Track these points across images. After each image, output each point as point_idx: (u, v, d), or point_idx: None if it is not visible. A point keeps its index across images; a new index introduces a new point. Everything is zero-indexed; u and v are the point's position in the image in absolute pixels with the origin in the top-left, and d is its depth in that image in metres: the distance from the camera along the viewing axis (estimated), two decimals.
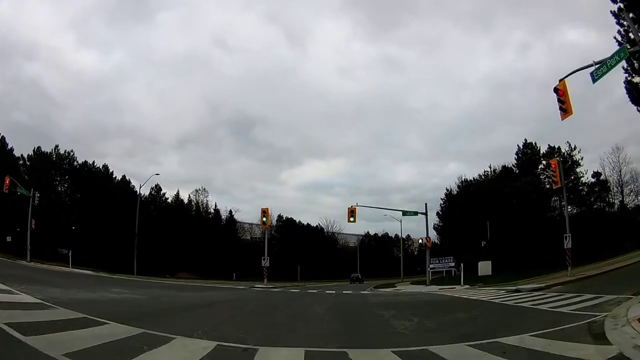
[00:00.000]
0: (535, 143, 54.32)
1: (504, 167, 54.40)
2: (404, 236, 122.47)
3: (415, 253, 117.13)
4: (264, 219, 34.76)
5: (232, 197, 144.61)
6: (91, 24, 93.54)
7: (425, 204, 34.20)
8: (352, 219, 32.76)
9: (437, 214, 62.71)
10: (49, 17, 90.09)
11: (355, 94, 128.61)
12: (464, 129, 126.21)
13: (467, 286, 29.58)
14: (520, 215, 40.56)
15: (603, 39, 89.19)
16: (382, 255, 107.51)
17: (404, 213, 32.40)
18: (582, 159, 50.32)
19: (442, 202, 62.22)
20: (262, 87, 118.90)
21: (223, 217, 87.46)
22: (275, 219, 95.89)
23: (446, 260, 41.60)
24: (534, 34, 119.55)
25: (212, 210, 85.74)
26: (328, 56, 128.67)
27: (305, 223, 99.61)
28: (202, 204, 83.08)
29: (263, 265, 34.47)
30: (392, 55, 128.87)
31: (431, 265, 43.06)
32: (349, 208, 33.72)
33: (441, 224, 61.19)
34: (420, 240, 32.26)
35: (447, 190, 60.86)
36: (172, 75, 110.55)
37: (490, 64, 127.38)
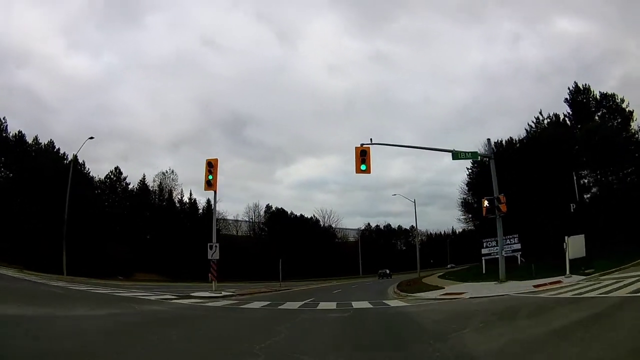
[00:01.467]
0: (589, 86, 41.84)
1: (555, 116, 41.72)
2: (407, 227, 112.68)
3: (419, 246, 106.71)
4: (210, 176, 21.34)
5: (226, 197, 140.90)
6: (81, 28, 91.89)
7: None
8: (363, 167, 19.28)
9: (469, 183, 50.02)
10: (40, 22, 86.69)
11: (346, 91, 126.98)
12: (456, 123, 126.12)
13: (581, 277, 17.31)
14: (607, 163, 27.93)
15: (593, 28, 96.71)
16: (385, 249, 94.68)
17: (456, 155, 18.97)
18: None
19: (471, 169, 49.70)
20: (253, 86, 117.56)
21: (202, 208, 73.40)
22: (264, 210, 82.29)
23: (509, 241, 28.37)
24: (525, 24, 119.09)
25: (187, 200, 71.62)
26: (318, 53, 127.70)
27: (298, 214, 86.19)
28: (167, 189, 68.49)
29: (210, 257, 22.07)
30: (382, 50, 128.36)
31: (485, 250, 30.24)
32: (357, 147, 19.93)
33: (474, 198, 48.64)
34: (484, 203, 16.88)
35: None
36: (163, 76, 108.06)
37: (482, 57, 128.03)
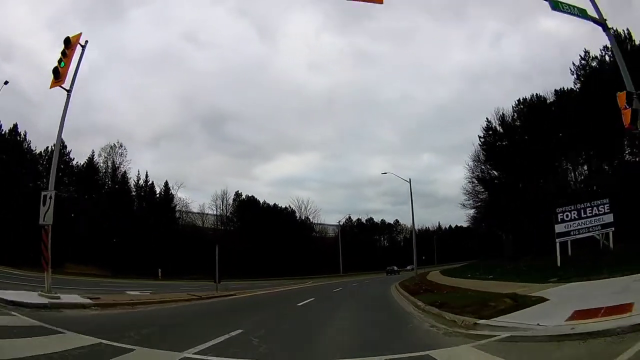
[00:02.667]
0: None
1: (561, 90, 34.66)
2: (391, 221, 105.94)
3: (402, 244, 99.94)
4: (62, 63, 12.39)
5: (205, 193, 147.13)
6: (66, 22, 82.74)
7: None
8: None
9: (486, 150, 42.37)
10: (26, 17, 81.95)
11: (327, 88, 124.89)
12: (437, 121, 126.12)
13: None
14: None
15: (579, 28, 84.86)
16: (367, 245, 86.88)
17: (556, 5, 10.22)
18: None
19: (486, 134, 42.45)
20: (234, 83, 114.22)
21: (159, 192, 63.63)
22: (232, 197, 72.99)
23: (594, 210, 19.52)
24: (509, 23, 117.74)
25: (143, 182, 61.73)
26: (299, 50, 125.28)
27: (271, 204, 77.23)
28: (117, 167, 58.56)
29: (41, 220, 11.65)
30: (363, 48, 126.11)
31: (561, 228, 20.48)
32: None
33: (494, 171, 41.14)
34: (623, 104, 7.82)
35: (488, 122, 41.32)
36: (145, 71, 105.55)
37: (464, 55, 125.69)
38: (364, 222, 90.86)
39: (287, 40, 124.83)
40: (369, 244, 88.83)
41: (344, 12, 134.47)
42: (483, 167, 44.58)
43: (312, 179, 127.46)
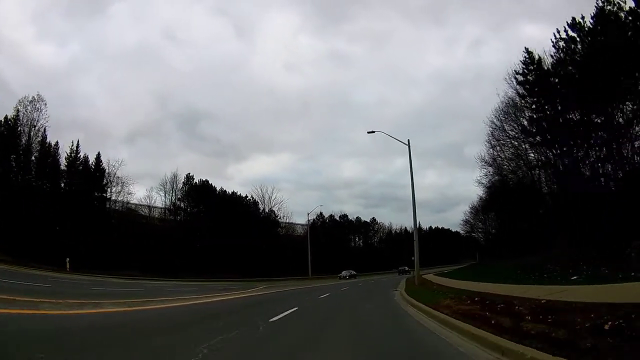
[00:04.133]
0: None
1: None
2: (367, 219, 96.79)
3: (376, 244, 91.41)
4: None
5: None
6: (49, 16, 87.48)
7: None
8: None
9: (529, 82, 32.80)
10: (12, 8, 79.33)
11: (302, 89, 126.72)
12: (412, 125, 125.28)
13: None
14: None
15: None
16: (339, 245, 77.51)
17: None
18: None
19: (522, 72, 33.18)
20: (210, 81, 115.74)
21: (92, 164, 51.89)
22: (183, 181, 61.87)
23: None
24: (489, 29, 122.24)
25: (69, 152, 49.99)
26: (275, 50, 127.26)
27: (229, 191, 66.61)
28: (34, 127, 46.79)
29: None
30: (339, 49, 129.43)
31: None
32: None
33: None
34: None
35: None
36: (123, 67, 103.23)
37: (441, 60, 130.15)
38: (337, 219, 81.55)
39: (264, 40, 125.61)
40: (341, 244, 79.49)
41: (322, 14, 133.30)
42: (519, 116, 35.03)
43: (286, 180, 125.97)
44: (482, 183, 44.69)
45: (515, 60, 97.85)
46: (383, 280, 42.62)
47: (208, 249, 55.91)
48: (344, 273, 57.50)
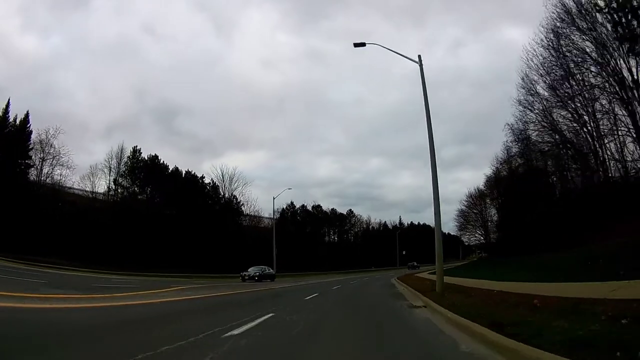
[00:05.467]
0: None
1: None
2: (343, 212, 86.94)
3: (352, 239, 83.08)
4: None
5: None
6: (34, 8, 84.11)
7: None
8: None
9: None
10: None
11: (279, 87, 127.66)
12: (388, 125, 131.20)
13: None
14: None
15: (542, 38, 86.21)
16: (311, 240, 68.64)
17: None
18: None
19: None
20: (188, 76, 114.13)
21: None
22: (129, 155, 51.64)
23: None
24: (470, 31, 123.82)
25: None
26: (253, 47, 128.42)
27: (182, 170, 56.62)
28: None
29: None
30: (317, 48, 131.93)
31: None
32: None
33: None
34: None
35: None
36: (104, 61, 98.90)
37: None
38: (310, 209, 72.38)
39: (243, 36, 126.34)
40: (314, 238, 70.65)
41: (301, 11, 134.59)
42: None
43: (261, 177, 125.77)
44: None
45: (499, 60, 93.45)
46: (367, 280, 33.27)
47: (153, 238, 46.07)
48: (252, 270, 36.10)
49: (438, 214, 14.25)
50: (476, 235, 64.64)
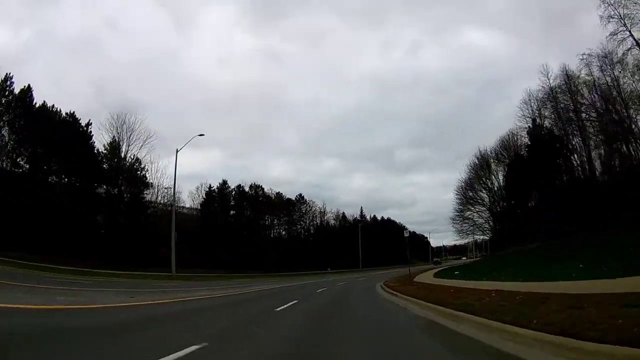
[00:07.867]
0: None
1: None
2: (292, 197, 69.33)
3: (310, 237, 68.34)
4: None
5: None
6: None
7: None
8: None
9: None
10: None
11: (234, 85, 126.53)
12: (344, 127, 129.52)
13: None
14: None
15: (509, 43, 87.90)
16: (249, 231, 52.26)
17: None
18: None
19: None
20: (146, 72, 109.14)
21: None
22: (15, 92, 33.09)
23: None
24: (430, 33, 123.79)
25: None
26: (210, 44, 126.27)
27: (68, 112, 38.43)
28: None
29: None
30: (273, 47, 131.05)
31: None
32: None
33: None
34: None
35: None
36: (68, 55, 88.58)
37: (377, 62, 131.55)
38: (247, 190, 55.27)
39: (201, 33, 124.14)
40: (251, 229, 54.03)
41: (259, 10, 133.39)
42: None
43: (214, 177, 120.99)
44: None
45: (459, 63, 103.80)
46: (334, 294, 17.46)
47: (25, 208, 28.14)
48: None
49: None
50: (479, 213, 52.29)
